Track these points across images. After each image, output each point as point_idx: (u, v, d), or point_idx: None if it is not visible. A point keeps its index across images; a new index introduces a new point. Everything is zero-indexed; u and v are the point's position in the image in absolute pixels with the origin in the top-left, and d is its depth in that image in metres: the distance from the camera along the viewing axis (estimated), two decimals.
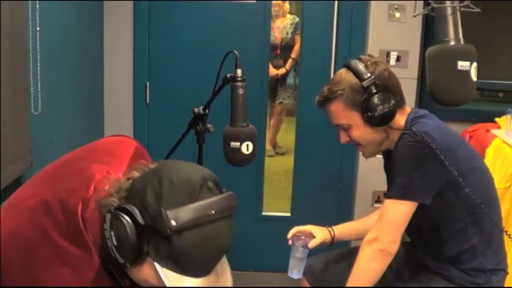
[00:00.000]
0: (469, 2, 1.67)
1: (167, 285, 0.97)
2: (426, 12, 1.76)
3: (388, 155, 1.80)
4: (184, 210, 0.95)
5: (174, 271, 0.97)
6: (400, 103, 1.68)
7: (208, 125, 1.63)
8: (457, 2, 1.66)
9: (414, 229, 1.70)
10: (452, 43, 1.65)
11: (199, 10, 2.90)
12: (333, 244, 1.91)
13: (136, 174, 1.05)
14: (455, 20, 1.66)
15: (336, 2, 2.86)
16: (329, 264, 1.95)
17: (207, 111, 1.63)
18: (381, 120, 1.63)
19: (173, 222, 0.93)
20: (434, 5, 1.68)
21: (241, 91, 1.46)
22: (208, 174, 1.03)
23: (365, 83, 1.61)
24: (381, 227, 1.62)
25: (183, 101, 2.82)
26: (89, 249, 1.03)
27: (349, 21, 2.90)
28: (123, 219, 0.96)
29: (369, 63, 1.66)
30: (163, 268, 0.97)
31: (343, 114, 1.68)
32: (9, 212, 1.11)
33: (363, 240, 1.65)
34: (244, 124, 1.47)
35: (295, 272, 1.85)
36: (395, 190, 1.60)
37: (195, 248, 0.97)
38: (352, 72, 1.65)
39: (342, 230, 1.93)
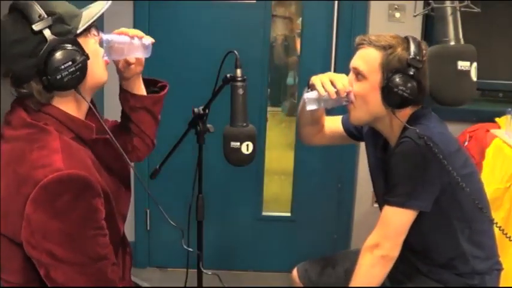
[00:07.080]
0: (469, 2, 1.67)
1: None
2: (426, 12, 1.76)
3: (383, 149, 1.76)
4: None
5: None
6: (419, 102, 1.63)
7: (208, 125, 1.63)
8: (457, 2, 1.66)
9: None
10: (452, 43, 1.65)
11: (199, 10, 2.90)
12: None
13: None
14: (455, 20, 1.66)
15: (336, 2, 2.86)
16: (326, 269, 1.94)
17: (207, 111, 1.63)
18: (392, 99, 1.57)
19: None
20: (434, 5, 1.68)
21: (241, 91, 1.46)
22: None
23: (410, 61, 1.55)
24: (383, 234, 1.60)
25: (183, 101, 2.83)
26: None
27: (349, 21, 2.90)
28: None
29: (425, 52, 1.60)
30: None
31: (370, 64, 1.60)
32: None
33: (363, 245, 1.63)
34: (244, 124, 1.47)
35: (311, 104, 1.67)
36: (397, 198, 1.57)
37: None
38: (407, 43, 1.58)
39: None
